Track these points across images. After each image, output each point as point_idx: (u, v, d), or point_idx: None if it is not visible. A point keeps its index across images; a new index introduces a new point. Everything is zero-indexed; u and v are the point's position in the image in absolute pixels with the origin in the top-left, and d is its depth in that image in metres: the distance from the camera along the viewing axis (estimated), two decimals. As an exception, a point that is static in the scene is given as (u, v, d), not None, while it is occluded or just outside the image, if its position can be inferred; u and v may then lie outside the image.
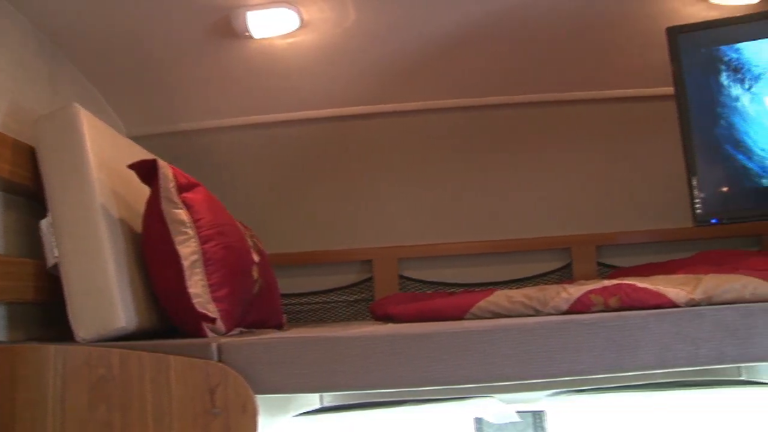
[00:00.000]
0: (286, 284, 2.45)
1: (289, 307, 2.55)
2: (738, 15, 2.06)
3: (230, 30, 2.06)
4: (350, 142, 2.54)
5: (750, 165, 1.91)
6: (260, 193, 2.60)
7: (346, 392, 1.90)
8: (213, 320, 1.60)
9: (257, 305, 1.87)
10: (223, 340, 1.42)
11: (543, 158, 2.58)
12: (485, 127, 2.52)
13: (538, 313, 1.54)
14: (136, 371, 1.37)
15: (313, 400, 1.91)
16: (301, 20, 2.04)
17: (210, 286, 1.62)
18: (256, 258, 1.89)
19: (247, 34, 2.06)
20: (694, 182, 1.91)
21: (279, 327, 2.09)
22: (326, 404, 1.95)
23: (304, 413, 1.90)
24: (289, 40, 2.14)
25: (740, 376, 1.99)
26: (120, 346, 1.41)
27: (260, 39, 2.10)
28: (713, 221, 1.91)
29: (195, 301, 1.59)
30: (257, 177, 2.59)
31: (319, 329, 1.77)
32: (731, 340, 1.32)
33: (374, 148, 2.56)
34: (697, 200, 1.91)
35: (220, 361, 1.37)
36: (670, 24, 1.99)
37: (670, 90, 1.97)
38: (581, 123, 2.51)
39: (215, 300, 1.62)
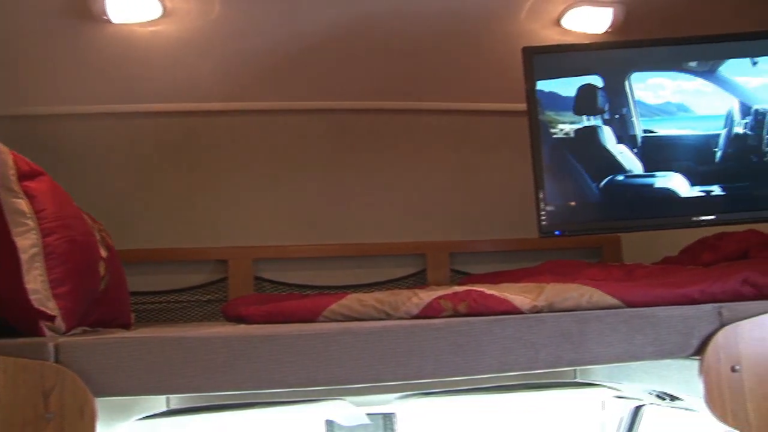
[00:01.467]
0: (137, 282, 2.35)
1: (139, 306, 2.45)
2: (587, 42, 2.21)
3: (87, 11, 1.96)
4: (209, 138, 2.49)
5: (589, 183, 2.04)
6: (112, 186, 2.48)
7: (192, 394, 1.85)
8: (52, 318, 1.51)
9: (103, 303, 1.78)
10: (62, 339, 1.34)
11: (400, 165, 2.63)
12: (344, 131, 2.55)
13: (389, 317, 1.55)
14: (-43, 373, 1.26)
15: (160, 402, 1.84)
16: (164, 8, 1.98)
17: (50, 281, 1.53)
18: (103, 253, 1.81)
19: (105, 17, 1.98)
20: (541, 195, 2.02)
21: (126, 326, 2.00)
22: (173, 407, 1.89)
23: (149, 416, 1.83)
24: (151, 29, 2.07)
25: (575, 378, 2.12)
26: (-59, 345, 1.30)
27: (120, 24, 2.02)
28: (557, 233, 2.02)
29: (33, 297, 1.49)
30: (110, 169, 2.48)
31: (167, 329, 1.72)
32: (567, 345, 1.39)
33: (233, 145, 2.52)
34: (542, 213, 2.01)
35: (57, 362, 1.28)
36: (527, 44, 2.09)
37: (523, 106, 2.06)
38: (438, 132, 2.58)
39: (56, 297, 1.53)
